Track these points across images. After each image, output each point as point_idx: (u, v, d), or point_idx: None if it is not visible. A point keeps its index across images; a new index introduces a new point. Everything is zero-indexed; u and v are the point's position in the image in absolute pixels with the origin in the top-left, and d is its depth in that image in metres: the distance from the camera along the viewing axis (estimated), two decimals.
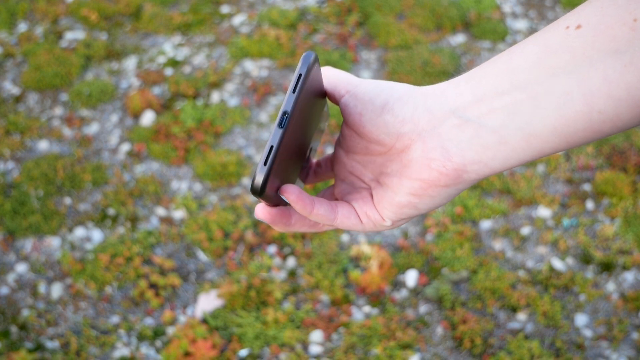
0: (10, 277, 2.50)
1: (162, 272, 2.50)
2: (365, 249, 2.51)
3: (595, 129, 0.52)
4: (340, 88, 0.62)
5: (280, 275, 2.48)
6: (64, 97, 3.23)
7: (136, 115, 3.11)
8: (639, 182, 2.76)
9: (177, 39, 3.55)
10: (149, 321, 2.37)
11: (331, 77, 0.63)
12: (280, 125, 0.53)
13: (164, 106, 3.16)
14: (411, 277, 2.47)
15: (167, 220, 2.68)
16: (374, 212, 0.63)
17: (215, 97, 3.20)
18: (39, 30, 3.60)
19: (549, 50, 0.52)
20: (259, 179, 0.53)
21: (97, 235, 2.63)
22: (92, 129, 3.07)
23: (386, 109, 0.59)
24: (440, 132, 0.57)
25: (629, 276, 2.47)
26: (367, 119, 0.60)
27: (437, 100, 0.58)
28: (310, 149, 0.66)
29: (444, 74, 3.27)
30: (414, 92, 0.59)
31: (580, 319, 2.35)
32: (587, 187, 2.78)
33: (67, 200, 2.76)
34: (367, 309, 2.39)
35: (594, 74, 0.50)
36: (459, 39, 3.52)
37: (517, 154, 0.55)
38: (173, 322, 2.36)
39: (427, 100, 0.58)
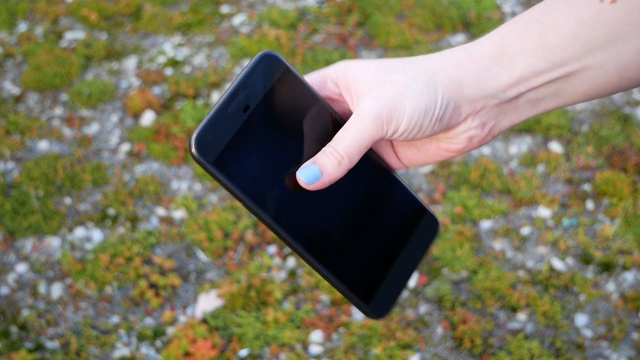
0: (10, 277, 2.50)
1: (162, 272, 2.51)
2: None
3: (623, 89, 0.56)
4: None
5: (280, 275, 2.49)
6: (64, 97, 3.23)
7: (136, 115, 3.12)
8: (639, 182, 2.76)
9: (177, 39, 3.55)
10: (149, 321, 2.37)
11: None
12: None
13: (164, 106, 3.16)
14: (411, 277, 2.47)
15: (167, 220, 2.68)
16: (394, 159, 0.65)
17: (215, 97, 3.20)
18: (39, 30, 3.60)
19: (585, 26, 0.53)
20: None
21: (97, 235, 2.64)
22: (92, 129, 3.07)
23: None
24: (481, 113, 0.59)
25: (629, 276, 2.47)
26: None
27: (474, 87, 0.58)
28: None
29: None
30: (453, 92, 0.58)
31: (580, 319, 2.35)
32: (587, 187, 2.78)
33: (67, 200, 2.76)
34: None
35: (628, 48, 0.53)
36: (459, 39, 3.52)
37: (545, 110, 0.59)
38: (173, 322, 2.36)
39: (463, 91, 0.58)
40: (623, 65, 0.53)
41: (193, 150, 0.54)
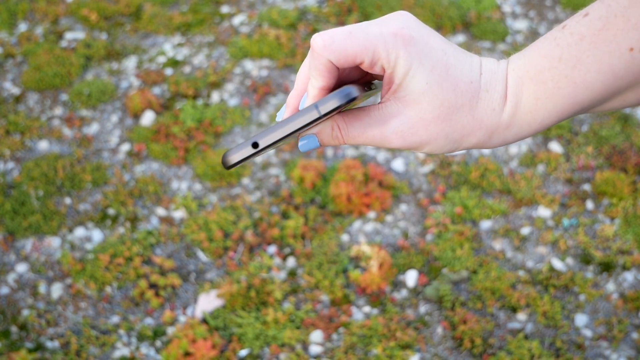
0: (10, 277, 2.50)
1: (162, 272, 2.51)
2: (366, 249, 2.51)
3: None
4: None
5: (280, 276, 2.48)
6: (64, 97, 3.23)
7: (136, 115, 3.12)
8: (639, 182, 2.76)
9: (177, 39, 3.55)
10: (149, 321, 2.37)
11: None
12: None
13: (164, 106, 3.16)
14: (411, 277, 2.47)
15: (167, 220, 2.68)
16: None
17: (215, 97, 3.20)
18: (39, 30, 3.60)
19: (615, 78, 0.54)
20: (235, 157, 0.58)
21: (97, 235, 2.64)
22: (92, 129, 3.07)
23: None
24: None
25: (629, 276, 2.47)
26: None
27: (497, 140, 0.61)
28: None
29: None
30: (474, 147, 0.62)
31: (580, 319, 2.35)
32: (587, 187, 2.78)
33: (67, 200, 2.76)
34: (367, 309, 2.39)
35: None
36: (459, 38, 3.52)
37: None
38: (173, 322, 2.36)
39: (484, 145, 0.62)
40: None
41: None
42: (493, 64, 0.59)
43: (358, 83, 0.61)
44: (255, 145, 0.57)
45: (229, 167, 0.59)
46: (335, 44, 0.54)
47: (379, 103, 0.59)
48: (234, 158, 0.57)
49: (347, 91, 0.54)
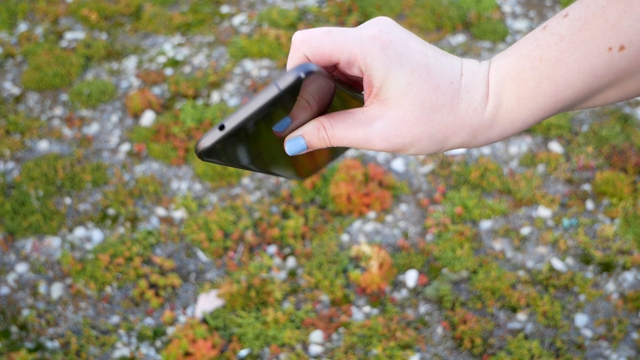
0: (10, 277, 2.50)
1: (162, 272, 2.51)
2: (365, 249, 2.51)
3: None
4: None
5: (280, 275, 2.48)
6: (64, 97, 3.23)
7: (136, 115, 3.12)
8: (639, 182, 2.76)
9: (177, 39, 3.55)
10: (149, 321, 2.37)
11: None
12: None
13: (164, 106, 3.16)
14: (411, 277, 2.47)
15: (167, 220, 2.68)
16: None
17: (215, 97, 3.20)
18: (39, 30, 3.60)
19: (596, 77, 0.56)
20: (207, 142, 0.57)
21: (97, 235, 2.64)
22: (92, 129, 3.07)
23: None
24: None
25: (629, 276, 2.47)
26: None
27: (480, 140, 0.62)
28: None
29: None
30: (458, 147, 0.62)
31: (580, 319, 2.35)
32: (587, 187, 2.78)
33: (67, 200, 2.76)
34: (367, 309, 2.39)
35: (633, 83, 0.57)
36: (459, 38, 3.52)
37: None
38: (173, 322, 2.36)
39: (469, 144, 0.62)
40: (625, 93, 0.57)
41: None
42: (474, 65, 0.60)
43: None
44: (222, 127, 0.56)
45: (200, 154, 0.57)
46: (312, 40, 0.56)
47: (363, 107, 0.61)
48: (204, 143, 0.56)
49: (305, 65, 0.54)
